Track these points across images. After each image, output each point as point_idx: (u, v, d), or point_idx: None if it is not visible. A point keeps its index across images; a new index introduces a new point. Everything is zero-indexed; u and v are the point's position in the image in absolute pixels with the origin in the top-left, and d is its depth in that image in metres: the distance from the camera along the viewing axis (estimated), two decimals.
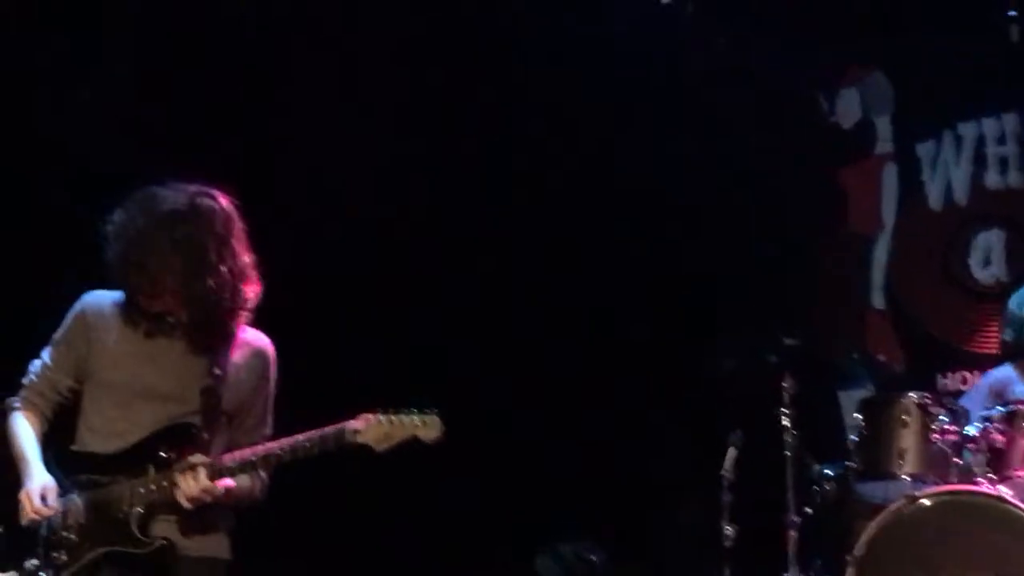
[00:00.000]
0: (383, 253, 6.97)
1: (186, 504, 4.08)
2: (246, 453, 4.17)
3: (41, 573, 4.22)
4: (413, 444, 4.13)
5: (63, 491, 4.22)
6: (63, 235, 5.52)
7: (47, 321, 4.48)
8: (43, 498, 4.14)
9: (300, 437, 4.14)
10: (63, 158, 6.33)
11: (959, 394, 6.67)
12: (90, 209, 4.44)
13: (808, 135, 7.53)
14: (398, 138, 6.96)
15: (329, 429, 4.11)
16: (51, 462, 4.27)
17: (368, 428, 4.10)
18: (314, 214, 6.80)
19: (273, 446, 4.19)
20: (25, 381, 4.31)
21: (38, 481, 4.15)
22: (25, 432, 4.28)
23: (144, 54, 6.78)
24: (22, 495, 4.15)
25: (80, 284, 4.40)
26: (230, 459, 4.14)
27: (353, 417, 4.09)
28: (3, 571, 4.21)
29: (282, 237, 5.37)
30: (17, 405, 4.33)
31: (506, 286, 7.11)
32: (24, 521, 4.15)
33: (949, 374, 7.12)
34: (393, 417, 4.10)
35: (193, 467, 4.10)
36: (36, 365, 4.30)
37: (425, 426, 4.10)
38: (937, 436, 5.55)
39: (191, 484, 4.09)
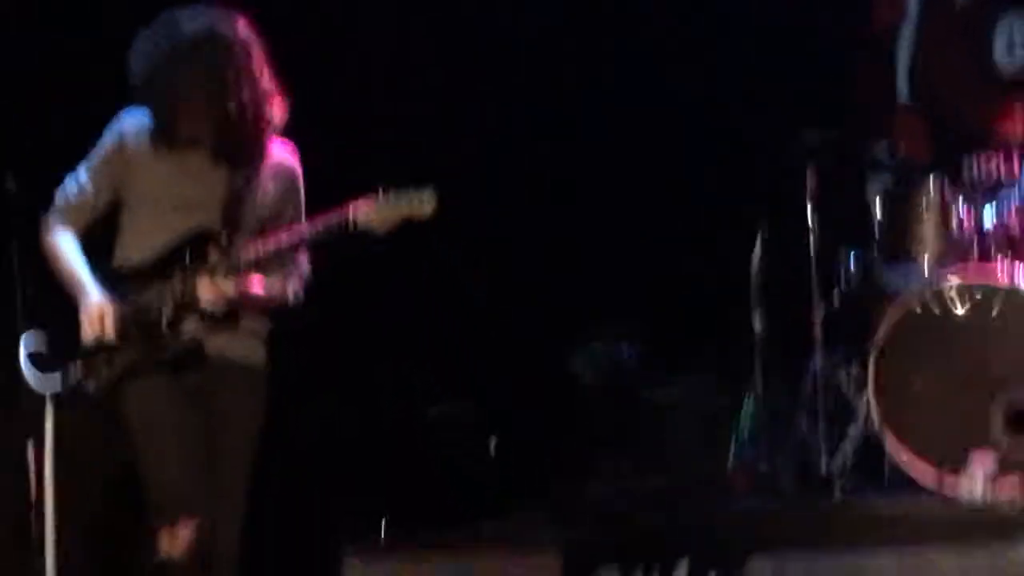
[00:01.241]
0: None
1: (208, 304, 4.25)
2: (259, 248, 4.30)
3: (83, 381, 4.42)
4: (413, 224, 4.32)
5: None
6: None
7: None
8: (102, 319, 4.29)
9: (304, 225, 4.36)
10: None
11: (989, 180, 6.49)
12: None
13: None
14: None
15: (332, 215, 4.26)
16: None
17: (370, 212, 4.24)
18: None
19: (280, 235, 4.33)
20: (60, 198, 4.45)
21: (96, 301, 4.30)
22: (71, 249, 4.42)
23: None
24: (83, 313, 4.30)
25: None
26: (244, 254, 4.28)
27: (352, 202, 4.26)
28: (49, 372, 4.42)
29: None
30: (56, 223, 4.47)
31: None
32: (87, 338, 4.32)
33: (977, 159, 6.57)
34: (390, 196, 4.25)
35: (210, 266, 4.28)
36: (72, 183, 4.42)
37: (421, 202, 4.23)
38: (956, 223, 5.71)
39: (207, 282, 4.24)
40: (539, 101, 7.03)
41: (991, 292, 5.52)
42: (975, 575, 5.05)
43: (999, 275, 5.54)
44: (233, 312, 4.34)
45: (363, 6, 6.89)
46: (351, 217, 4.24)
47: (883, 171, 6.20)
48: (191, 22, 4.32)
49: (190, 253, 4.33)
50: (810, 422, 5.84)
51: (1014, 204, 5.73)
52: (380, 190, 4.23)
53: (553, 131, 6.98)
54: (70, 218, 4.44)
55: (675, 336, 6.73)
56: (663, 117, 7.02)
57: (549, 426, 6.50)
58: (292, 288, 4.40)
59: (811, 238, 5.93)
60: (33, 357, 4.43)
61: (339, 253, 4.60)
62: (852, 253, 5.95)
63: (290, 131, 4.54)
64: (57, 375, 4.41)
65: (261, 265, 4.33)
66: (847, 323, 5.96)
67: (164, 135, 4.31)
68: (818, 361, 5.84)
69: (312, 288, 4.49)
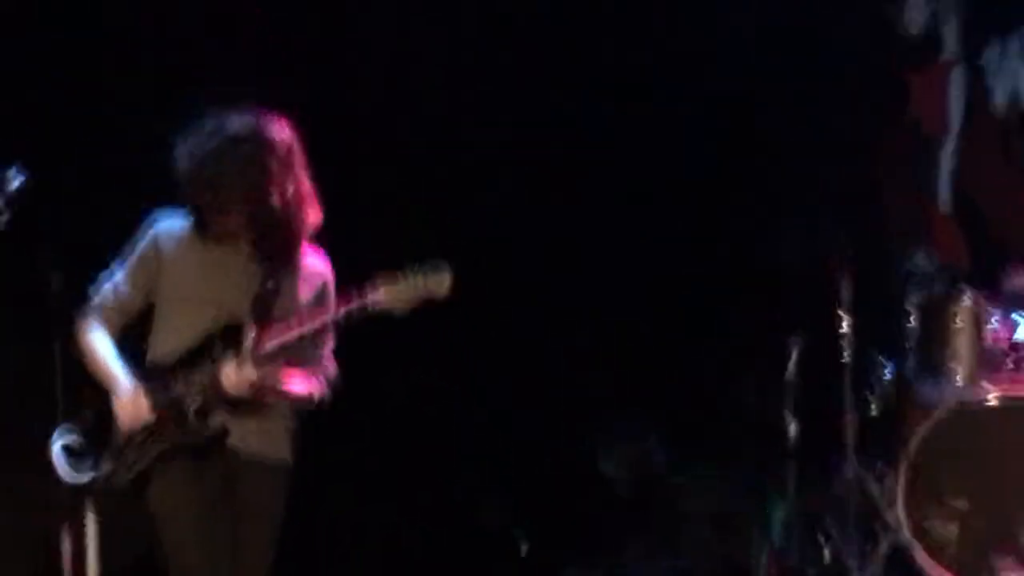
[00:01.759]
0: None
1: (233, 389, 4.22)
2: (285, 338, 4.28)
3: (112, 475, 4.40)
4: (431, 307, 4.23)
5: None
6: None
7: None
8: (140, 409, 4.31)
9: (325, 315, 4.31)
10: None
11: None
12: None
13: (877, 41, 7.25)
14: None
15: (354, 303, 4.23)
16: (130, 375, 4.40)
17: (388, 296, 4.20)
18: None
19: (307, 325, 4.31)
20: (96, 297, 4.45)
21: (132, 392, 4.31)
22: (105, 347, 4.41)
23: None
24: (117, 404, 4.31)
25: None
26: (270, 346, 4.25)
27: (371, 286, 4.21)
28: (80, 472, 4.41)
29: None
30: (92, 321, 4.47)
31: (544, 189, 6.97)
32: (121, 427, 4.32)
33: (1016, 273, 6.60)
34: (406, 280, 4.22)
35: (238, 355, 4.24)
36: (108, 284, 4.43)
37: (437, 283, 4.20)
38: (990, 338, 5.68)
39: (233, 369, 4.22)
40: (581, 218, 7.04)
41: (1021, 409, 5.54)
42: None
43: None
44: (259, 403, 4.33)
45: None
46: (371, 300, 4.21)
47: (923, 279, 6.21)
48: (236, 122, 4.37)
49: (220, 344, 4.31)
50: (840, 528, 5.79)
51: None
52: (399, 272, 4.19)
53: (598, 241, 6.98)
54: (105, 316, 4.45)
55: (711, 438, 6.67)
56: (705, 223, 7.01)
57: (579, 529, 6.52)
58: (318, 387, 4.40)
59: (846, 346, 5.84)
60: (66, 449, 4.41)
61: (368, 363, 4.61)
62: (887, 362, 5.92)
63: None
64: (89, 468, 4.41)
65: (286, 353, 4.30)
66: (880, 432, 5.94)
67: (205, 229, 4.34)
68: (850, 469, 5.78)
69: (341, 388, 4.48)
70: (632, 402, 6.62)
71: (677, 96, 7.10)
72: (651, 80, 7.09)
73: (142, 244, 4.40)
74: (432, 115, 6.91)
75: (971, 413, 5.45)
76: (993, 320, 5.66)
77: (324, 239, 4.70)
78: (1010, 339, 5.65)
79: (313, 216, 4.38)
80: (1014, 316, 5.78)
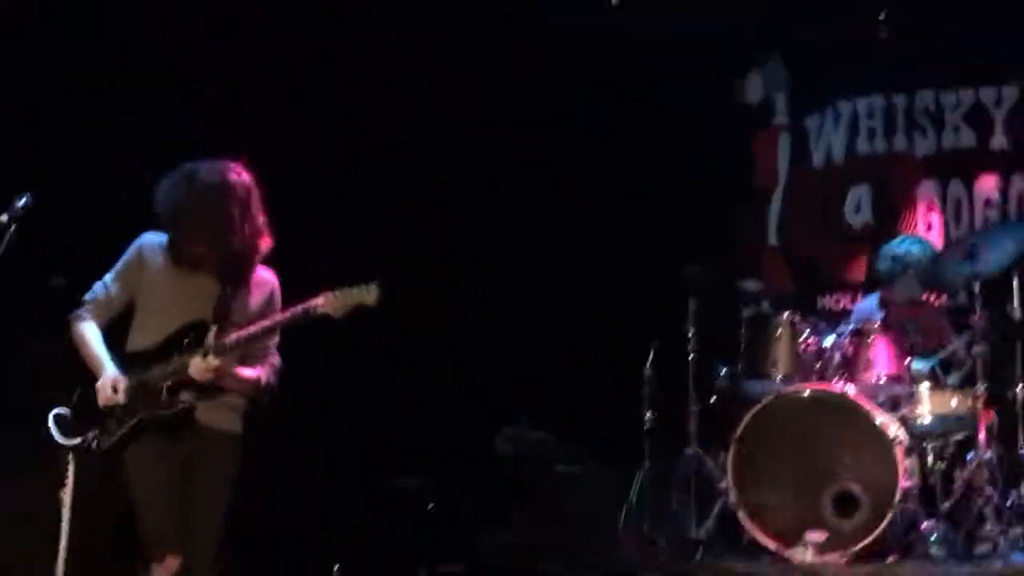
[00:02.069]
0: None
1: (199, 375, 4.19)
2: (241, 334, 4.23)
3: (97, 439, 4.31)
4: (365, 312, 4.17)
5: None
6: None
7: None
8: (115, 388, 4.23)
9: (278, 316, 4.31)
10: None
11: (837, 312, 6.82)
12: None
13: (721, 114, 7.40)
14: None
15: (298, 307, 4.23)
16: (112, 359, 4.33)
17: (326, 302, 4.17)
18: None
19: (259, 324, 4.27)
20: (89, 297, 4.39)
21: (111, 375, 4.26)
22: (95, 336, 4.36)
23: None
24: (99, 385, 4.26)
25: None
26: (229, 340, 4.22)
27: (315, 296, 4.19)
28: (70, 437, 4.31)
29: None
30: (85, 315, 4.38)
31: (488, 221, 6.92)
32: (101, 404, 4.26)
33: (827, 296, 7.16)
34: (342, 291, 4.17)
35: (203, 348, 4.22)
36: (99, 286, 4.39)
37: (367, 293, 4.15)
38: (803, 347, 5.70)
39: (198, 360, 4.19)
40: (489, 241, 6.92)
41: (828, 401, 5.50)
42: None
43: (835, 388, 5.55)
44: (218, 387, 4.27)
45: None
46: (312, 307, 4.19)
47: (751, 302, 6.16)
48: (204, 170, 4.32)
49: (187, 339, 4.27)
50: (682, 494, 5.86)
51: (848, 333, 5.73)
52: (334, 288, 4.18)
53: (496, 273, 6.87)
54: (95, 312, 4.40)
55: (586, 425, 6.54)
56: (590, 261, 6.98)
57: (476, 494, 6.40)
58: (266, 375, 4.35)
59: (691, 351, 5.99)
60: (57, 418, 4.35)
61: (309, 347, 4.48)
62: (724, 368, 5.92)
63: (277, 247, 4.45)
64: (77, 435, 4.33)
65: (243, 348, 4.27)
66: (716, 420, 5.89)
67: (178, 257, 4.33)
68: (692, 448, 5.88)
69: (283, 376, 4.41)
70: (522, 398, 6.72)
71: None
72: None
73: (129, 253, 4.40)
74: (429, 117, 6.68)
75: (787, 404, 5.49)
76: (806, 332, 5.74)
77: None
78: (819, 347, 5.72)
79: (264, 245, 4.37)
80: (822, 329, 5.80)
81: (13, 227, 4.19)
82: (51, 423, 4.32)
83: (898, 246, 6.05)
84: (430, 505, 6.18)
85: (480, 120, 6.84)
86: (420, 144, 6.70)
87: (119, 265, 4.40)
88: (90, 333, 4.36)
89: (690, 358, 5.93)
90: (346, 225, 6.27)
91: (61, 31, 5.93)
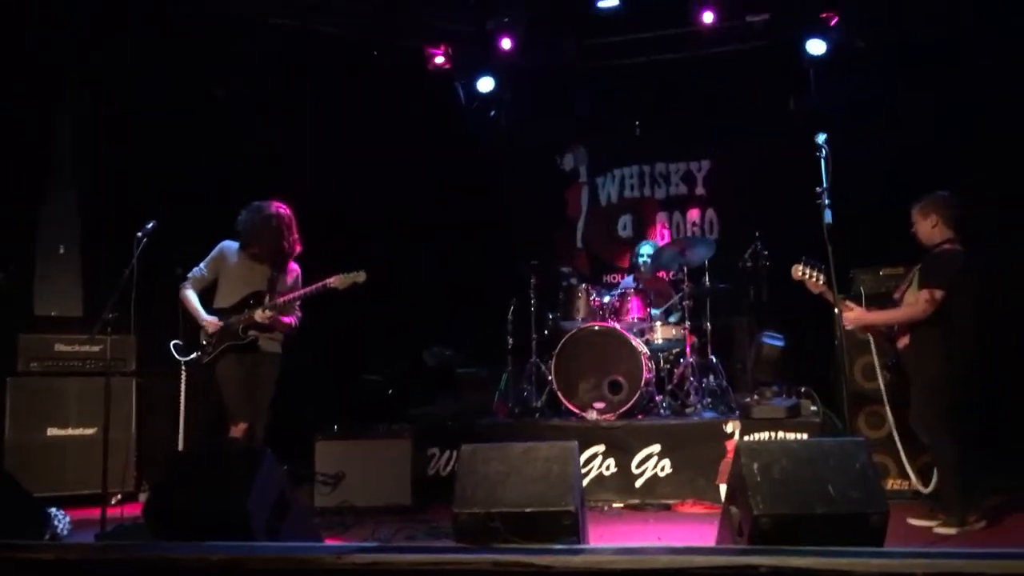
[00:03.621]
0: None
1: (261, 319, 4.31)
2: (283, 298, 4.35)
3: (200, 357, 4.40)
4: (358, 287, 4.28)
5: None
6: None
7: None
8: (210, 326, 4.41)
9: (305, 289, 4.40)
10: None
11: (612, 284, 7.15)
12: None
13: (551, 175, 7.74)
14: None
15: (319, 283, 4.32)
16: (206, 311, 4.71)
17: (335, 281, 4.29)
18: None
19: (293, 293, 4.37)
20: (190, 275, 4.66)
21: (212, 318, 4.52)
22: (194, 298, 4.63)
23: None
24: (204, 323, 4.47)
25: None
26: (276, 302, 4.36)
27: (328, 277, 4.28)
28: (184, 356, 4.43)
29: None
30: (188, 286, 4.62)
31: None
32: (204, 337, 4.37)
33: (608, 275, 7.63)
34: (345, 274, 4.22)
35: (262, 305, 4.34)
36: (196, 270, 4.66)
37: (359, 276, 4.20)
38: (593, 302, 6.18)
39: (260, 312, 4.39)
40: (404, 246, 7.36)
41: (605, 331, 5.92)
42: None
43: (609, 324, 6.02)
44: (270, 327, 4.45)
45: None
46: (326, 283, 4.30)
47: (566, 278, 6.71)
48: (265, 207, 4.53)
49: (252, 300, 4.47)
50: (529, 385, 6.30)
51: (617, 294, 6.30)
52: (340, 273, 4.25)
53: (413, 257, 7.12)
54: (194, 285, 4.62)
55: (476, 346, 6.99)
56: (480, 261, 7.14)
57: (414, 385, 6.69)
58: (295, 322, 4.50)
59: (532, 306, 6.56)
60: (175, 346, 4.50)
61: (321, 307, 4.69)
62: (551, 314, 6.55)
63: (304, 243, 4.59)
64: (187, 354, 4.48)
65: (283, 306, 4.45)
66: (547, 343, 6.36)
67: (248, 253, 4.56)
68: (533, 358, 6.41)
69: (302, 323, 4.55)
70: (441, 331, 7.03)
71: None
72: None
73: (215, 251, 4.74)
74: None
75: (584, 334, 5.86)
76: (595, 294, 6.22)
77: (320, 248, 4.47)
78: (602, 303, 6.20)
79: (297, 249, 4.60)
80: (603, 293, 6.27)
81: (145, 240, 4.35)
82: (172, 348, 4.52)
83: (644, 247, 6.44)
84: (389, 391, 6.16)
85: (417, 191, 7.11)
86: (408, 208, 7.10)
87: (208, 258, 4.72)
88: (192, 296, 4.62)
89: (532, 309, 6.27)
90: (335, 239, 6.05)
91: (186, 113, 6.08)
